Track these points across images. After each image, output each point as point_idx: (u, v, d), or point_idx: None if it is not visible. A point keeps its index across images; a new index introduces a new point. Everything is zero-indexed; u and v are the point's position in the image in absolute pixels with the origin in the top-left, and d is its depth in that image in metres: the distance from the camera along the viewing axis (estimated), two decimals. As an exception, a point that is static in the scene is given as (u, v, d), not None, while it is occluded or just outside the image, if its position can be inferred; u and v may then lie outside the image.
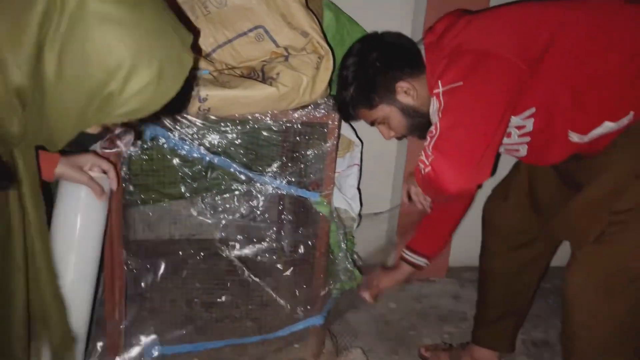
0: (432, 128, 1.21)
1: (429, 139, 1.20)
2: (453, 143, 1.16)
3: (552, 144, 1.26)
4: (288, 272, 1.65)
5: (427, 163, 1.19)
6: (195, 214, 1.62)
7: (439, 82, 1.19)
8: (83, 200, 1.23)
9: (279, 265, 1.64)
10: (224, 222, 1.63)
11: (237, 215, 1.61)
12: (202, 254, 1.95)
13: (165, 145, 1.42)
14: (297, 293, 1.65)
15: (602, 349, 1.28)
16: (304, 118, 1.43)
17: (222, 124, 1.42)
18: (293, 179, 1.53)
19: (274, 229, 1.74)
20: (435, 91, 1.20)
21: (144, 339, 1.61)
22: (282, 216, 1.82)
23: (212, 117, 1.39)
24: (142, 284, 1.74)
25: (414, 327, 1.94)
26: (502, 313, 1.63)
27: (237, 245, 1.74)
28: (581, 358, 1.32)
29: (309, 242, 1.62)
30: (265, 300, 1.68)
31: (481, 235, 1.64)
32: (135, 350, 1.55)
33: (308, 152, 1.51)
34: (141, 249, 1.81)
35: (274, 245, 1.65)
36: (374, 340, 1.85)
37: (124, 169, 1.41)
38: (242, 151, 1.50)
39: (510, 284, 1.59)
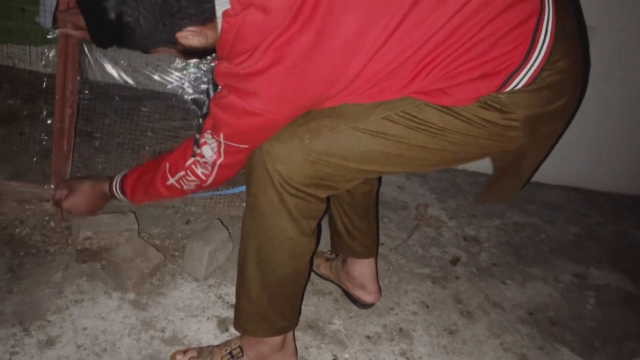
0: None
1: None
2: None
3: None
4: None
5: None
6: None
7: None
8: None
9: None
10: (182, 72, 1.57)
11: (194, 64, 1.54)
12: (156, 103, 1.90)
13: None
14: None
15: None
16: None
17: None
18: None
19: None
20: None
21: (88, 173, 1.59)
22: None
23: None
24: (92, 123, 1.69)
25: (357, 208, 2.01)
26: (365, 224, 1.47)
27: (191, 92, 1.68)
28: None
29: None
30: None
31: None
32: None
33: None
34: (94, 89, 1.73)
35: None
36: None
37: None
38: None
39: (353, 195, 1.41)
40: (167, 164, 1.18)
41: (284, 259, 1.13)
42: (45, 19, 1.28)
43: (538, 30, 0.94)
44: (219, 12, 0.89)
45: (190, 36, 0.93)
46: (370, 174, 1.13)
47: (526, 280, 1.78)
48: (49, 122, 1.54)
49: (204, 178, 1.13)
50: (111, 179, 1.37)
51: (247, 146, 1.04)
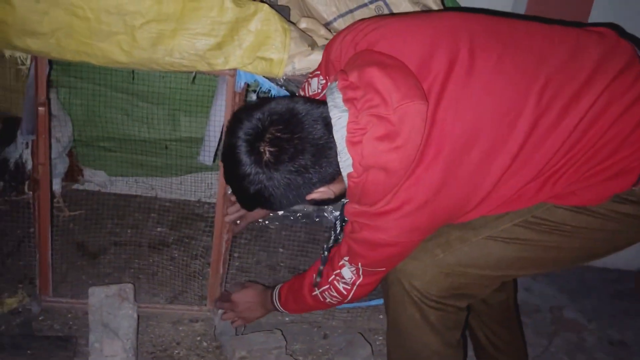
0: None
1: None
2: None
3: None
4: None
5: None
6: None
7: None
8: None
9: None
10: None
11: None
12: (285, 220, 2.01)
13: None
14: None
15: None
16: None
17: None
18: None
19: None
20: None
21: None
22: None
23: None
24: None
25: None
26: (509, 333, 1.45)
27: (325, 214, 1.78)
28: None
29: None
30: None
31: None
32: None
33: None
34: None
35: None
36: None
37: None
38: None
39: (489, 305, 1.41)
40: (314, 275, 1.25)
41: None
42: (204, 157, 1.43)
43: None
44: (344, 174, 0.97)
45: (318, 195, 1.03)
46: (506, 278, 1.15)
47: (693, 388, 1.63)
48: (195, 246, 1.67)
49: (345, 293, 1.17)
50: (273, 287, 1.44)
51: (385, 269, 1.10)
